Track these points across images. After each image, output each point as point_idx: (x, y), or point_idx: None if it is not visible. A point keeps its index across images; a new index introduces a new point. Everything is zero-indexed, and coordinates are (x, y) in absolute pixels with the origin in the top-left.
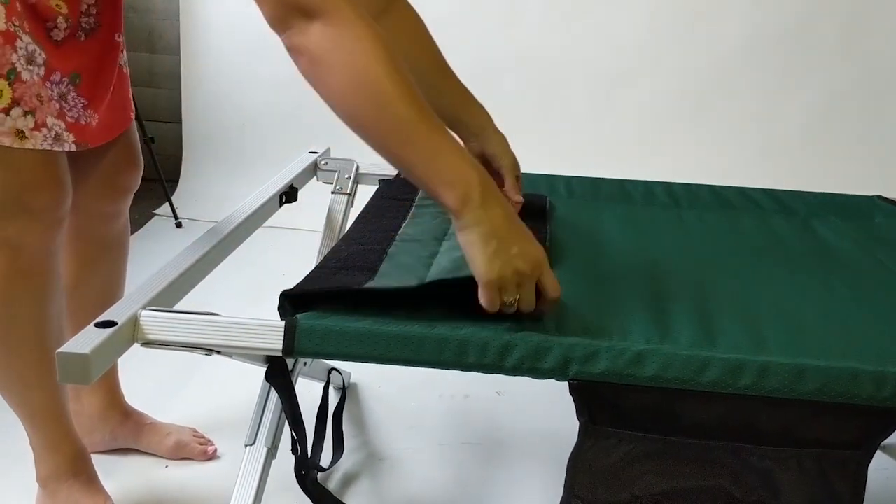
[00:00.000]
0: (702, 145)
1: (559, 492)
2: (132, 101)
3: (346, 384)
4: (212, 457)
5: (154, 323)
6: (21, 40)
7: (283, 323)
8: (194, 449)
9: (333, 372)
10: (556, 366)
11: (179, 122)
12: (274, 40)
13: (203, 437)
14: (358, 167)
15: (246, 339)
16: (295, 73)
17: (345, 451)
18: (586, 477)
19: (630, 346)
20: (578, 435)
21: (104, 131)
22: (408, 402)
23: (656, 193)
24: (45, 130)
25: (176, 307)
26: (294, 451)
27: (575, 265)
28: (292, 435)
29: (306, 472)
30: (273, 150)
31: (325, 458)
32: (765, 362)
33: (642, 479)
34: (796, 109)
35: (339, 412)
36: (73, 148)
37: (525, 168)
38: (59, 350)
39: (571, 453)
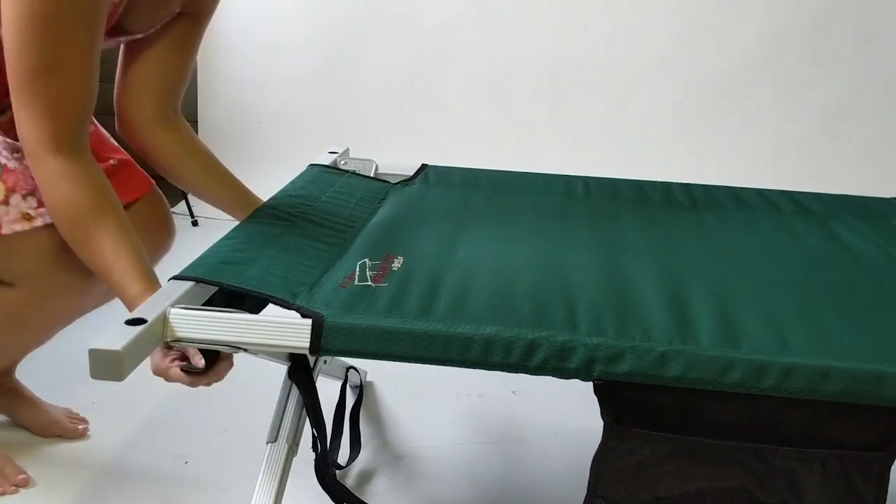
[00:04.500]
0: (718, 146)
1: (576, 491)
2: (142, 172)
3: (362, 382)
4: (83, 435)
5: (182, 321)
6: None
7: (309, 321)
8: (66, 426)
9: (350, 370)
10: (580, 366)
11: (195, 121)
12: (289, 40)
13: (77, 416)
14: (377, 166)
15: (273, 337)
16: (310, 72)
17: (361, 450)
18: (610, 477)
19: (654, 346)
20: (602, 435)
21: None
22: (423, 401)
23: (675, 194)
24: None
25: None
26: (315, 448)
27: (595, 265)
28: (313, 433)
29: (326, 469)
30: (288, 149)
31: (343, 456)
32: (789, 363)
33: (665, 479)
34: (813, 110)
35: (356, 410)
36: None
37: (540, 168)
38: (92, 347)
39: (595, 453)
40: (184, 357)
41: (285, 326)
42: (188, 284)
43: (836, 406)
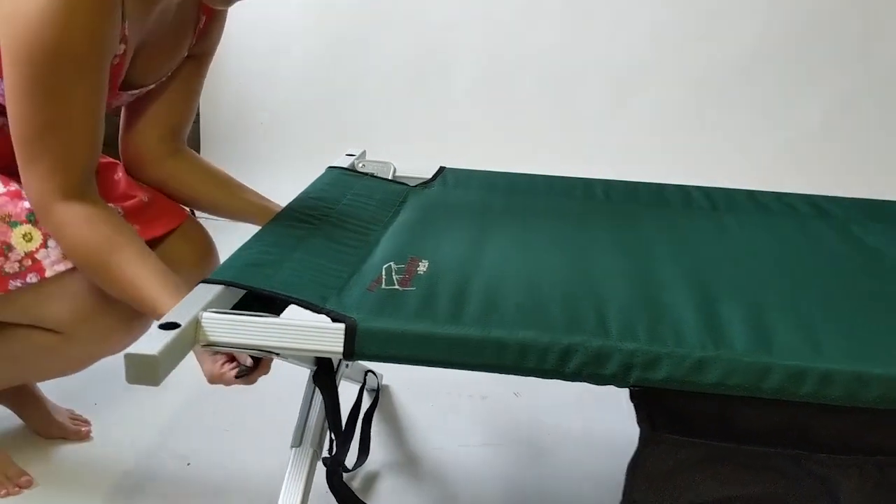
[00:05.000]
0: (718, 146)
1: (577, 493)
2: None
3: (380, 386)
4: (86, 437)
5: (215, 325)
6: None
7: (342, 326)
8: (68, 428)
9: (369, 374)
10: (616, 372)
11: (198, 120)
12: (293, 41)
13: (80, 417)
14: (395, 169)
15: (306, 342)
16: (314, 73)
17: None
18: (644, 483)
19: (691, 352)
20: (638, 441)
21: None
22: (426, 403)
23: (694, 197)
24: None
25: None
26: (330, 451)
27: (621, 269)
28: (330, 436)
29: (334, 471)
30: (292, 150)
31: (350, 460)
32: (826, 369)
33: (700, 485)
34: (813, 110)
35: (369, 415)
36: None
37: (542, 167)
38: (128, 352)
39: (631, 459)
40: (231, 358)
41: (318, 331)
42: (218, 288)
43: (874, 412)
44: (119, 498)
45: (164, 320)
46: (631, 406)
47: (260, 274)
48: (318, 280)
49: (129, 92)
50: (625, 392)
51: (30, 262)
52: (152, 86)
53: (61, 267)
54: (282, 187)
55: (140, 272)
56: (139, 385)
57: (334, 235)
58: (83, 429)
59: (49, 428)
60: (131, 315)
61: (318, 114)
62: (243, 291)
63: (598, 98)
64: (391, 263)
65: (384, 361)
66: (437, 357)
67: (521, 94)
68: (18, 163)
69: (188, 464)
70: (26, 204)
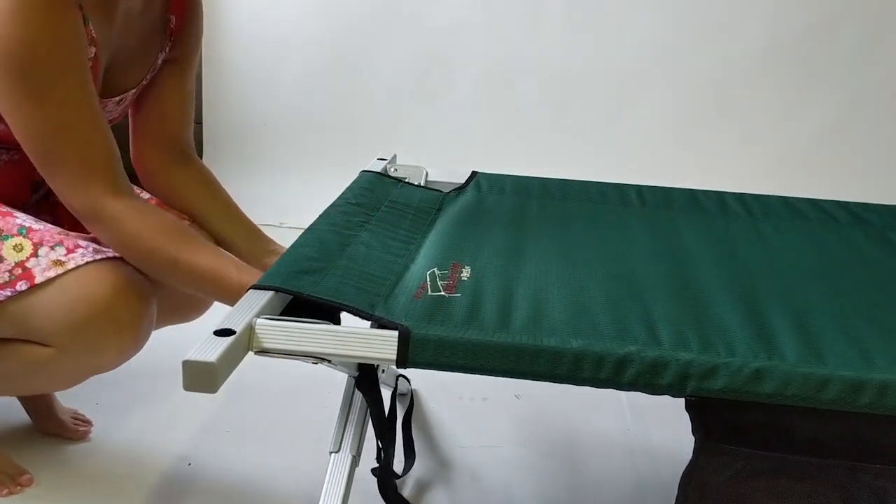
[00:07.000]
0: (721, 149)
1: (576, 496)
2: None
3: (412, 391)
4: (84, 437)
5: (269, 332)
6: (16, 212)
7: (395, 333)
8: (68, 427)
9: (400, 378)
10: (673, 381)
11: (200, 122)
12: (296, 41)
13: (82, 416)
14: (427, 174)
15: (360, 349)
16: (317, 74)
17: (362, 454)
18: (698, 494)
19: (748, 362)
20: (693, 451)
21: None
22: (427, 404)
23: (729, 204)
24: (80, 250)
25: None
26: (379, 458)
27: (663, 276)
28: (378, 444)
29: (388, 480)
30: (294, 151)
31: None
32: (885, 380)
33: (755, 496)
34: (816, 115)
35: (408, 419)
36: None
37: (544, 170)
38: (186, 358)
39: (685, 469)
40: None
41: (371, 338)
42: (269, 294)
43: None
44: (119, 498)
45: (219, 327)
46: (632, 411)
47: (307, 281)
48: (365, 287)
49: (113, 99)
50: (625, 395)
51: (20, 271)
52: (133, 90)
53: (52, 273)
54: (283, 189)
55: (213, 260)
56: (195, 392)
57: (376, 244)
58: (82, 428)
59: (49, 423)
60: (123, 327)
61: (321, 116)
62: (290, 297)
63: (598, 104)
64: (434, 269)
65: (435, 369)
66: (489, 365)
67: (522, 98)
68: (46, 180)
69: (188, 464)
70: (18, 220)
